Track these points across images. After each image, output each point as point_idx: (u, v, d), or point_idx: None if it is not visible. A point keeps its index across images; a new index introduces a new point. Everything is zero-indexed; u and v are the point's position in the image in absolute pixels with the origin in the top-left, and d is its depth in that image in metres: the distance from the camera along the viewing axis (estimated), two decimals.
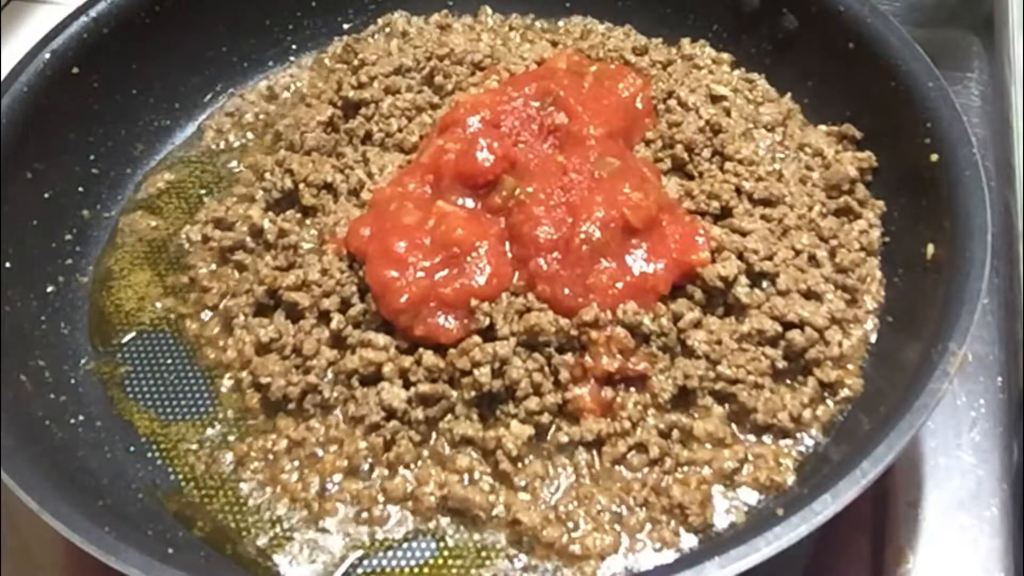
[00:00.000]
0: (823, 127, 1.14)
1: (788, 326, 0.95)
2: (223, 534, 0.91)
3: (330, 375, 0.97)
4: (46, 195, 1.10)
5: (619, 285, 0.95)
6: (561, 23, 1.32)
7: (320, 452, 0.95)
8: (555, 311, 0.94)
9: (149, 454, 0.97)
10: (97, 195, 1.16)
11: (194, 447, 0.97)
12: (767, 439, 0.93)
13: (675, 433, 0.93)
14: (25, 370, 0.97)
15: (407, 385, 0.94)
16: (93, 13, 1.14)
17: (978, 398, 1.02)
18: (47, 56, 1.10)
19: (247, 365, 1.01)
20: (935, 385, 0.81)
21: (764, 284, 0.98)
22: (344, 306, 0.99)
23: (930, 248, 0.96)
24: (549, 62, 1.19)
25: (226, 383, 1.01)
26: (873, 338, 0.98)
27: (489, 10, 1.34)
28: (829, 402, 0.95)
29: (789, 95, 1.18)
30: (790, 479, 0.90)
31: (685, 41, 1.25)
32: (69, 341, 1.05)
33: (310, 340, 0.98)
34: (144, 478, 0.95)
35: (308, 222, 1.09)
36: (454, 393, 0.94)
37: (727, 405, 0.94)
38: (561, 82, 1.09)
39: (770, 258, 0.99)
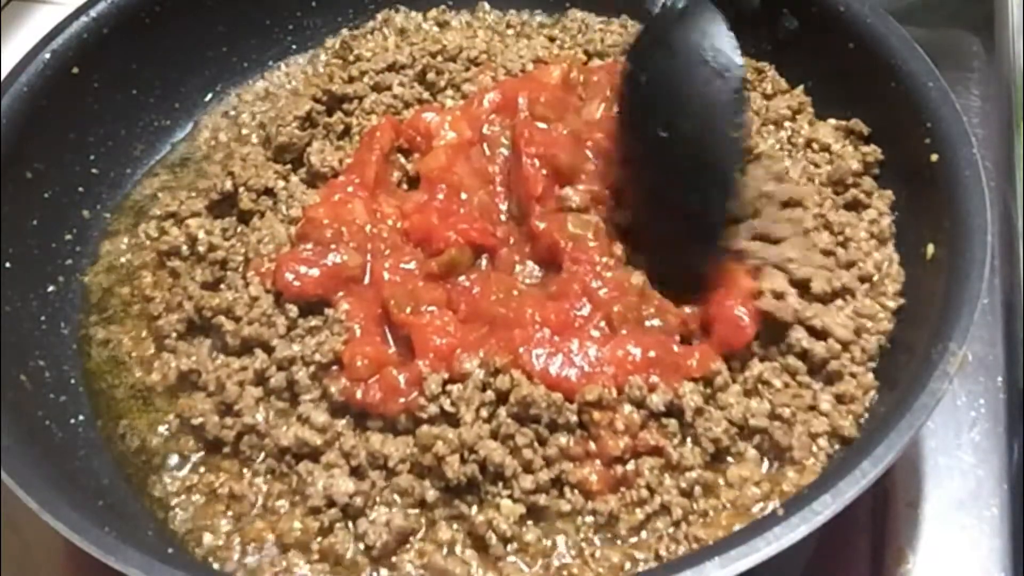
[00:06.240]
0: (832, 121, 1.12)
1: (813, 334, 0.91)
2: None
3: (261, 412, 0.92)
4: (46, 195, 1.10)
5: (636, 355, 0.86)
6: (559, 19, 1.31)
7: (257, 515, 0.89)
8: (549, 388, 0.86)
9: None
10: (97, 195, 1.16)
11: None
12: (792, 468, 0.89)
13: (697, 489, 0.86)
14: (25, 370, 0.97)
15: (355, 470, 0.87)
16: (93, 13, 1.14)
17: (978, 398, 1.02)
18: (47, 56, 1.09)
19: (174, 393, 0.97)
20: (935, 385, 0.81)
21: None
22: (268, 349, 0.95)
23: (930, 248, 0.96)
24: (540, 74, 1.15)
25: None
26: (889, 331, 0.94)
27: (487, 6, 1.34)
28: (857, 406, 0.91)
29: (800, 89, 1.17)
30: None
31: None
32: (69, 341, 1.05)
33: (232, 384, 0.93)
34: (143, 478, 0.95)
35: (240, 230, 1.07)
36: (405, 488, 0.86)
37: (757, 439, 0.89)
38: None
39: (806, 265, 0.95)
